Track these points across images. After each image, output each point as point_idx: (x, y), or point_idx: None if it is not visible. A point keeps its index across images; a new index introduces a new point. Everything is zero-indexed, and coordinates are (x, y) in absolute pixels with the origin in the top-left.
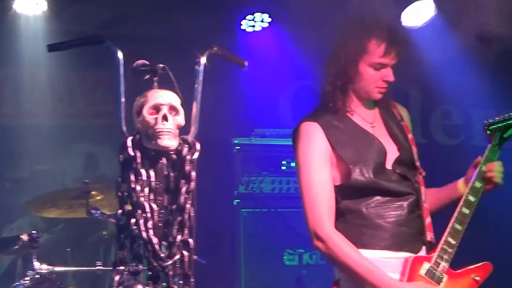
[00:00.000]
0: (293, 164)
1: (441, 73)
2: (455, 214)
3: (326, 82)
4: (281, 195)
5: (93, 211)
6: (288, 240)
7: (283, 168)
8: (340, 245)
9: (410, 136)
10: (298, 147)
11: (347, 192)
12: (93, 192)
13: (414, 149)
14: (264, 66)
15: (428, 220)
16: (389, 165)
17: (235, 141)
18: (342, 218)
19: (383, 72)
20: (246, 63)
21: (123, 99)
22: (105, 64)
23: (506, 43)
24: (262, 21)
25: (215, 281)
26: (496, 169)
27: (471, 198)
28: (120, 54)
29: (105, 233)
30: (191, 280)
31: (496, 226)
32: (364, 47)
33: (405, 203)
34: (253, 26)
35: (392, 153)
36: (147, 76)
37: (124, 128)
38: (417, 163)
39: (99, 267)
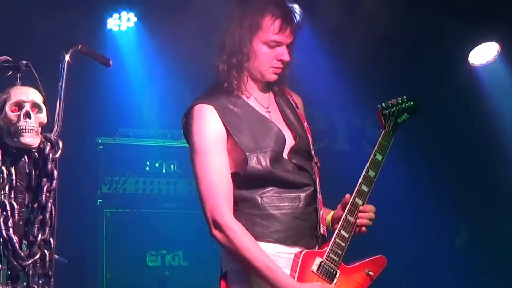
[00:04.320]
0: (157, 165)
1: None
2: (348, 205)
3: (221, 61)
4: (144, 196)
5: None
6: (151, 241)
7: (147, 168)
8: (240, 236)
9: (305, 124)
10: (192, 130)
11: (242, 181)
12: None
13: (310, 138)
14: (129, 66)
15: (321, 212)
16: (285, 154)
17: (99, 140)
18: (235, 207)
19: (278, 50)
20: (111, 62)
21: None
22: None
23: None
24: (128, 20)
25: (77, 281)
26: (367, 217)
27: (365, 188)
28: None
29: None
30: (51, 280)
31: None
32: (258, 24)
33: (302, 195)
34: (119, 25)
35: (289, 141)
36: (10, 73)
37: None
38: (313, 152)
39: None
